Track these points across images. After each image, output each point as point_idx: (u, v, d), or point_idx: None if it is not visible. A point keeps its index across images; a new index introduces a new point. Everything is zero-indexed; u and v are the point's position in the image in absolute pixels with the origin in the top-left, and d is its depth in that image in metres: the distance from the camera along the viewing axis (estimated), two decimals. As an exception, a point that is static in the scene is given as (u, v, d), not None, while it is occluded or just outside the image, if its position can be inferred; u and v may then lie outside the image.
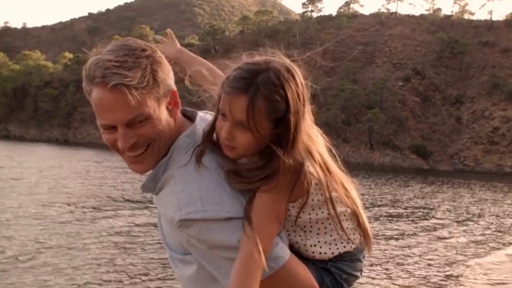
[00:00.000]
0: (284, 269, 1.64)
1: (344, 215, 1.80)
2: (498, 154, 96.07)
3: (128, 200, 21.58)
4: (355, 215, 1.82)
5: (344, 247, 1.84)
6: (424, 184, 46.56)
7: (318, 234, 1.80)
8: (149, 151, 1.72)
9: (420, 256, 14.72)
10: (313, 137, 1.71)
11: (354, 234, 1.85)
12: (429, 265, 13.71)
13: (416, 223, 21.08)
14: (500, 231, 20.67)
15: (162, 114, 1.71)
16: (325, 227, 1.79)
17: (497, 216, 25.59)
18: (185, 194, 1.64)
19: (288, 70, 1.63)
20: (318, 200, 1.73)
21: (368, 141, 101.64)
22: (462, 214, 25.58)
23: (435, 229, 19.84)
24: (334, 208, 1.74)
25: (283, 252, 1.66)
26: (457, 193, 39.12)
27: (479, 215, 25.39)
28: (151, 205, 20.08)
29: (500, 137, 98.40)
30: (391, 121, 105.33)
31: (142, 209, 19.34)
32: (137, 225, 16.31)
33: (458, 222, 22.49)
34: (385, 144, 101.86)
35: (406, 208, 26.03)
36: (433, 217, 23.49)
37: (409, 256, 14.63)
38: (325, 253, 1.82)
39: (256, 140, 1.62)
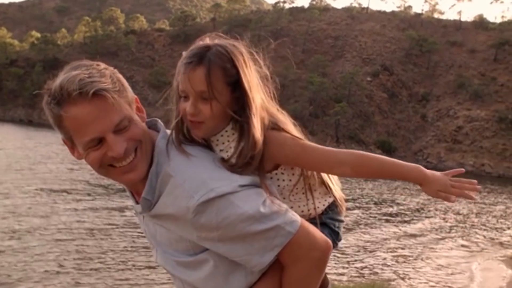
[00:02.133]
0: (300, 231, 1.67)
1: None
2: (460, 152, 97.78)
3: (101, 185, 21.31)
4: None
5: (330, 197, 2.02)
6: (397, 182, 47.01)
7: (303, 193, 1.93)
8: (138, 156, 1.71)
9: (396, 252, 14.94)
10: (266, 102, 1.86)
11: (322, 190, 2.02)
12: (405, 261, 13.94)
13: (394, 220, 21.34)
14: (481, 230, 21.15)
15: (137, 117, 1.74)
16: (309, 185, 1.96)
17: (477, 214, 26.19)
18: (189, 182, 1.65)
19: (232, 45, 1.79)
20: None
21: (335, 135, 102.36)
22: (440, 210, 26.06)
23: (409, 224, 20.14)
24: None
25: (295, 216, 1.71)
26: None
27: (458, 213, 25.98)
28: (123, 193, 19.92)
29: (463, 136, 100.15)
30: (358, 115, 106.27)
31: (111, 194, 19.10)
32: (112, 210, 16.15)
33: (432, 217, 22.91)
34: (351, 138, 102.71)
35: (379, 204, 26.32)
36: (408, 212, 23.82)
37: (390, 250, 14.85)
38: (318, 207, 1.98)
39: (220, 108, 1.74)
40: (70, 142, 1.71)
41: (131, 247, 12.00)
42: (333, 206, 2.04)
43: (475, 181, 1.87)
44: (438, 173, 1.89)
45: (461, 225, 22.23)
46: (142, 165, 1.72)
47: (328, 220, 1.99)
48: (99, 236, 12.78)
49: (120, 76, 1.73)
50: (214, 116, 1.75)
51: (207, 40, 1.81)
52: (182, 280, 1.82)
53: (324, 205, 2.00)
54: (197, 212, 1.61)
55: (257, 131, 1.75)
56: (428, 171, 1.88)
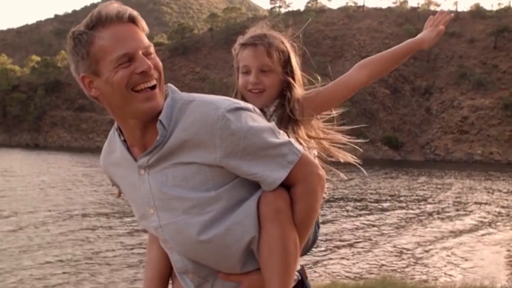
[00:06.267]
0: (305, 152, 1.82)
1: None
2: (468, 142, 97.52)
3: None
4: None
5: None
6: (410, 175, 46.88)
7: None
8: (157, 88, 1.77)
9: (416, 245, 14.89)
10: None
11: None
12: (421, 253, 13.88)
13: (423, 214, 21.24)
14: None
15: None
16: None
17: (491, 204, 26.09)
18: (213, 99, 1.78)
19: (281, 35, 2.25)
20: None
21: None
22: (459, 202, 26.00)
23: (438, 219, 20.04)
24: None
25: None
26: (447, 183, 39.80)
27: (486, 203, 25.93)
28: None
29: (469, 126, 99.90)
30: (362, 114, 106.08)
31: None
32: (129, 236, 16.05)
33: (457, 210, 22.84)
34: (357, 136, 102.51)
35: (416, 201, 26.25)
36: (428, 206, 23.72)
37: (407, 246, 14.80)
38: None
39: (276, 79, 2.17)
40: (91, 75, 1.73)
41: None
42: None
43: (445, 10, 2.48)
44: (423, 31, 2.58)
45: (500, 218, 22.10)
46: (161, 98, 1.78)
47: None
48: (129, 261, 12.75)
49: None
50: (272, 85, 2.16)
51: (260, 30, 2.24)
52: (192, 225, 1.78)
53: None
54: (226, 120, 1.70)
55: (299, 94, 2.22)
56: (417, 37, 2.57)
